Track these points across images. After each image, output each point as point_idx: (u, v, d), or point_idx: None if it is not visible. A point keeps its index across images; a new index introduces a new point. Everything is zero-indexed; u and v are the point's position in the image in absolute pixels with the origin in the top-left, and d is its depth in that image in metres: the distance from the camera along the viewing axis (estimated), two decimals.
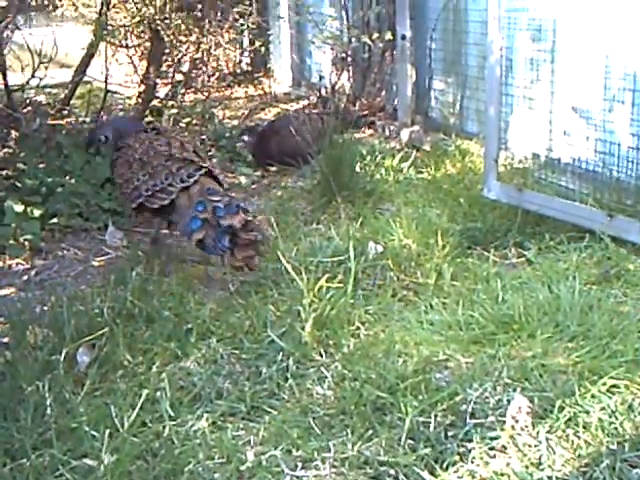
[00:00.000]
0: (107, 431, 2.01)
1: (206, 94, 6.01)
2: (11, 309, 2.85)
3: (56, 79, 5.14)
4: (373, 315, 2.74)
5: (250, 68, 8.08)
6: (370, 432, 2.06)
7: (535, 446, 1.94)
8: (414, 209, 3.84)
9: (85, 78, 5.34)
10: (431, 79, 5.44)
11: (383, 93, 5.92)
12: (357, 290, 2.86)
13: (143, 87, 5.34)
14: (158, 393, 2.27)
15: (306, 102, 6.34)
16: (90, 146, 3.98)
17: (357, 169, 4.35)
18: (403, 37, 5.39)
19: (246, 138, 5.04)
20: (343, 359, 2.42)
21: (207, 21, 5.34)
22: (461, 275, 3.04)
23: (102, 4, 5.09)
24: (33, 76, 4.61)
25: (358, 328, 2.63)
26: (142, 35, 5.75)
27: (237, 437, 2.10)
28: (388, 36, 5.50)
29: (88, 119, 5.22)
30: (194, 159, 3.33)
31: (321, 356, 2.46)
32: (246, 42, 7.92)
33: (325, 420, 2.14)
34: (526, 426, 1.99)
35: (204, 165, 3.32)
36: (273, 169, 4.90)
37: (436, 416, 2.06)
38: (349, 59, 6.05)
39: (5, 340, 2.67)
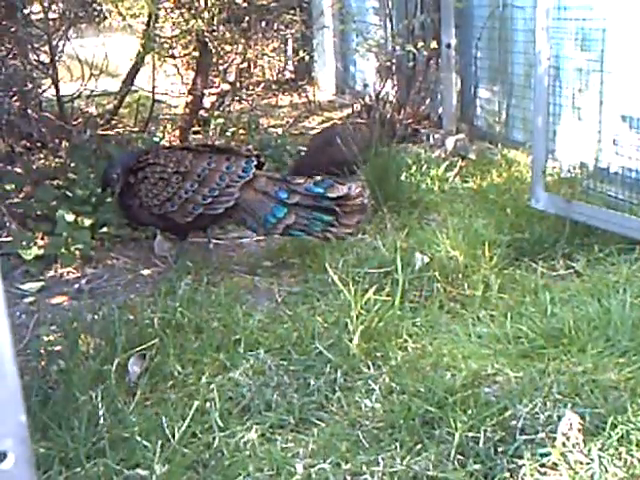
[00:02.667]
0: (159, 441, 2.05)
1: (251, 103, 6.06)
2: (63, 317, 2.92)
3: (105, 89, 5.24)
4: (420, 327, 2.74)
5: (294, 76, 8.12)
6: (419, 446, 2.06)
7: (587, 464, 1.92)
8: (460, 219, 3.81)
9: (132, 88, 5.43)
10: (476, 87, 5.41)
11: (428, 101, 5.89)
12: (404, 302, 2.85)
13: (190, 97, 5.40)
14: (208, 404, 2.30)
15: (350, 110, 6.35)
16: (108, 187, 3.57)
17: (402, 178, 4.35)
18: (448, 45, 5.37)
19: None
20: (391, 372, 2.42)
21: (253, 32, 5.38)
22: (509, 287, 3.02)
23: (149, 16, 5.17)
24: (84, 87, 4.70)
25: (406, 340, 2.62)
26: (188, 45, 5.82)
27: (286, 449, 2.11)
28: (433, 44, 5.48)
29: (136, 128, 5.31)
30: (235, 150, 3.30)
31: (369, 368, 2.47)
32: (290, 51, 7.97)
33: (374, 433, 2.14)
34: (577, 443, 1.96)
35: (250, 154, 3.28)
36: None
37: (485, 431, 2.04)
38: (393, 67, 6.04)
39: (58, 348, 2.72)
